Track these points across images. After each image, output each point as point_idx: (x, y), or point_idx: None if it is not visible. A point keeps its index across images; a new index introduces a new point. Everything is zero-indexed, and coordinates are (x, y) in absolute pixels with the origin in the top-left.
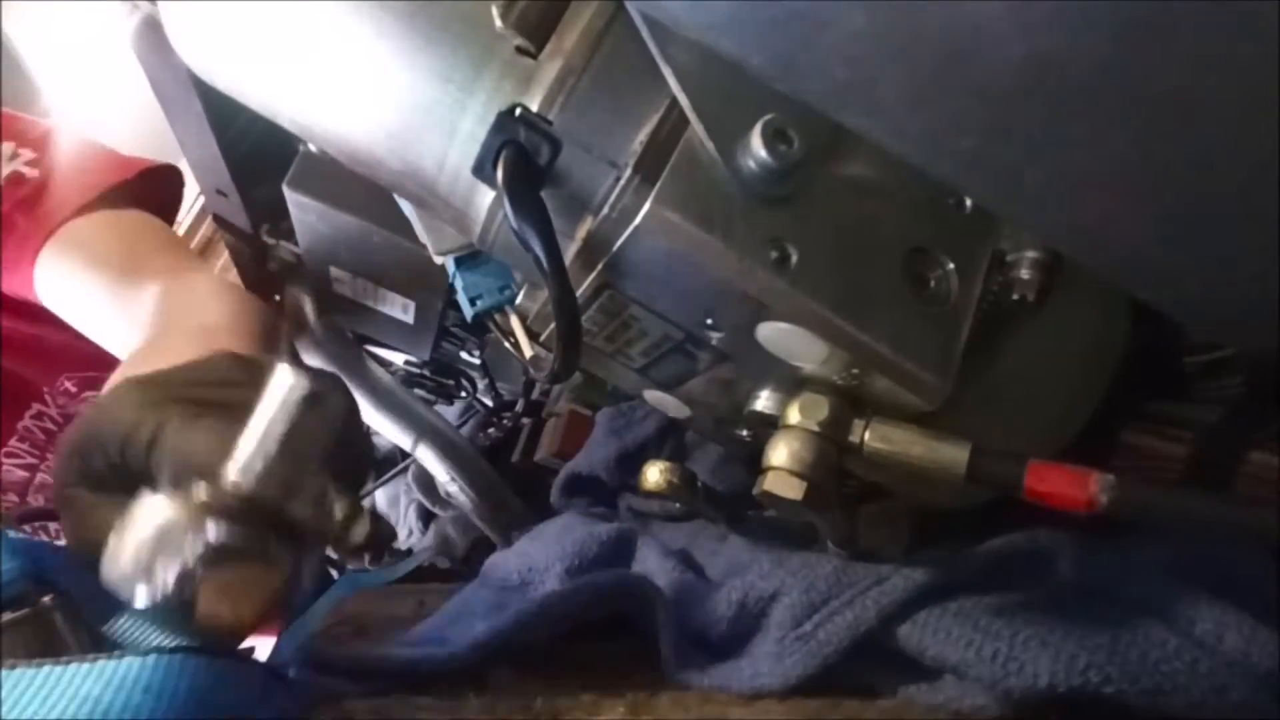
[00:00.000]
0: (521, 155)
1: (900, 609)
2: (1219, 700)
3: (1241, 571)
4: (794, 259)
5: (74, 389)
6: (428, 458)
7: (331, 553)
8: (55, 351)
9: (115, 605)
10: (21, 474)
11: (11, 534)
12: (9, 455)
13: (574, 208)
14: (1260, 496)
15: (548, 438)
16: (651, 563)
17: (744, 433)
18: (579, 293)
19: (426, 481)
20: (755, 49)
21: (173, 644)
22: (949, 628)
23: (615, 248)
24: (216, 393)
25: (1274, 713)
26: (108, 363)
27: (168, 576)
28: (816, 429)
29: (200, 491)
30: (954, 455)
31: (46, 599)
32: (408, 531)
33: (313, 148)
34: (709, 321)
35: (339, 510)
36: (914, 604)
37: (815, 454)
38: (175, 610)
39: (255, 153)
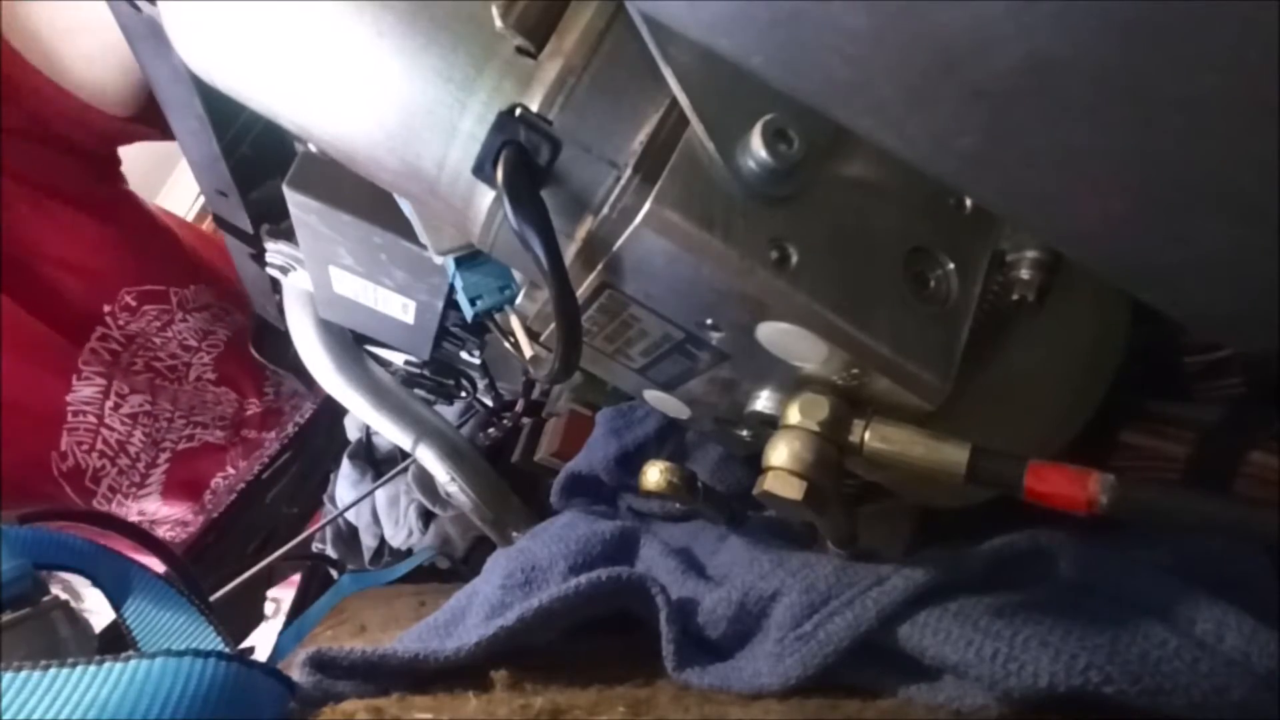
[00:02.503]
0: (521, 155)
1: (900, 609)
2: (1219, 700)
3: (1241, 571)
4: (794, 259)
5: (134, 302)
6: (428, 458)
7: (331, 553)
8: (113, 265)
9: (131, 588)
10: (94, 392)
11: (16, 530)
12: (80, 377)
13: (574, 208)
14: (1260, 496)
15: (548, 438)
16: (655, 561)
17: (744, 433)
18: (579, 293)
19: (426, 481)
20: (755, 49)
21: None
22: (949, 628)
23: (615, 248)
24: None
25: (1274, 713)
26: (170, 275)
27: None
28: (816, 429)
29: None
30: (954, 455)
31: (47, 599)
32: (408, 532)
33: (313, 148)
34: (709, 321)
35: None
36: (914, 604)
37: (815, 454)
38: None
39: (255, 153)
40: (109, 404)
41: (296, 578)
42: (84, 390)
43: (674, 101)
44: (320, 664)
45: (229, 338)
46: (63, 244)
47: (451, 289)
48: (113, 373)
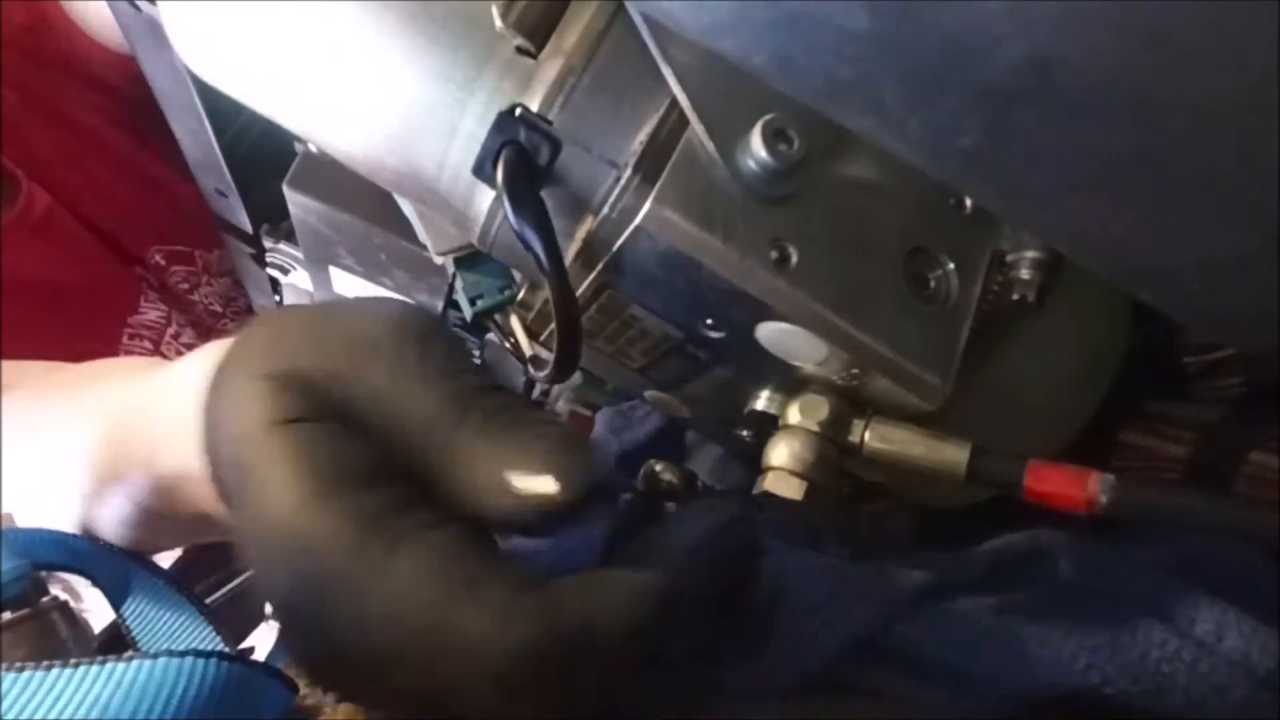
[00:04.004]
0: (521, 155)
1: (900, 609)
2: (1219, 700)
3: (1241, 571)
4: (794, 259)
5: (163, 262)
6: None
7: None
8: (145, 223)
9: (131, 588)
10: (158, 316)
11: (16, 530)
12: (147, 299)
13: (574, 208)
14: (1260, 496)
15: None
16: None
17: (745, 433)
18: (579, 293)
19: None
20: (755, 49)
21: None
22: (949, 628)
23: (615, 248)
24: None
25: (1274, 713)
26: (196, 237)
27: None
28: (816, 429)
29: None
30: (954, 455)
31: (46, 599)
32: None
33: (313, 147)
34: (709, 321)
35: None
36: (914, 604)
37: (815, 454)
38: None
39: (255, 153)
40: (170, 331)
41: None
42: (150, 314)
43: (674, 101)
44: None
45: (249, 305)
46: (91, 200)
47: (451, 289)
48: (171, 304)
